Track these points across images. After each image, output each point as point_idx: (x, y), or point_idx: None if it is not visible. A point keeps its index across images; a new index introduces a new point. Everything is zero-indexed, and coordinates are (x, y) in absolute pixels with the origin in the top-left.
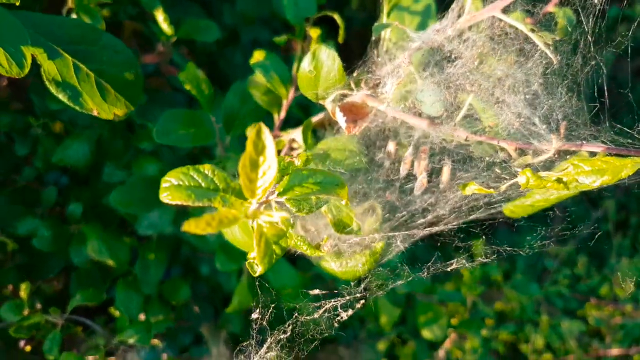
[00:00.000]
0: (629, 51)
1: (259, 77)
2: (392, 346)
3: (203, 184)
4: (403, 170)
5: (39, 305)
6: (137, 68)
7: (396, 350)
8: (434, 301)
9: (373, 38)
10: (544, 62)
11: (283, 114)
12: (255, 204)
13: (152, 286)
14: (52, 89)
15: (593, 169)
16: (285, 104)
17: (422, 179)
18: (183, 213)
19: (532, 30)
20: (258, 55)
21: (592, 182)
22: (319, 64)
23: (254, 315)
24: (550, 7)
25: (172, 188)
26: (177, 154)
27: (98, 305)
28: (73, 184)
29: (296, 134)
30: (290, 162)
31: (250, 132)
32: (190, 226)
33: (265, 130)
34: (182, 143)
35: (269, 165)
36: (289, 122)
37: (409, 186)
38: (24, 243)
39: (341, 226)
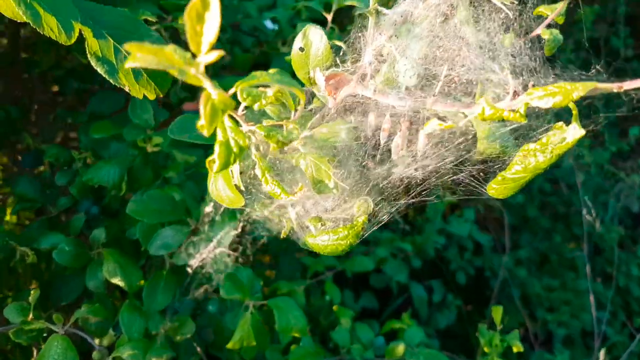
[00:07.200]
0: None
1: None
2: None
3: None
4: (383, 137)
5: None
6: None
7: None
8: None
9: (356, 16)
10: (501, 18)
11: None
12: (202, 60)
13: (155, 319)
14: (93, 61)
15: (546, 93)
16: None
17: (396, 140)
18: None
19: None
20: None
21: (545, 103)
22: (309, 42)
23: (208, 209)
24: None
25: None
26: (200, 187)
27: None
28: (103, 215)
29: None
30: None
31: None
32: (135, 55)
33: None
34: (194, 139)
35: (214, 21)
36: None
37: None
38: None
39: (318, 183)
